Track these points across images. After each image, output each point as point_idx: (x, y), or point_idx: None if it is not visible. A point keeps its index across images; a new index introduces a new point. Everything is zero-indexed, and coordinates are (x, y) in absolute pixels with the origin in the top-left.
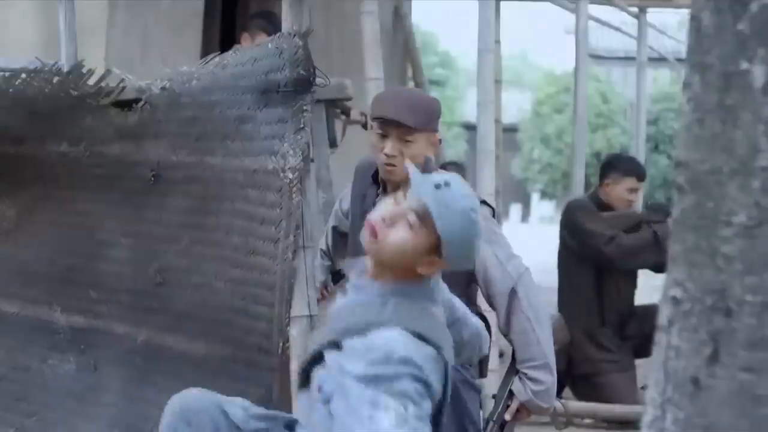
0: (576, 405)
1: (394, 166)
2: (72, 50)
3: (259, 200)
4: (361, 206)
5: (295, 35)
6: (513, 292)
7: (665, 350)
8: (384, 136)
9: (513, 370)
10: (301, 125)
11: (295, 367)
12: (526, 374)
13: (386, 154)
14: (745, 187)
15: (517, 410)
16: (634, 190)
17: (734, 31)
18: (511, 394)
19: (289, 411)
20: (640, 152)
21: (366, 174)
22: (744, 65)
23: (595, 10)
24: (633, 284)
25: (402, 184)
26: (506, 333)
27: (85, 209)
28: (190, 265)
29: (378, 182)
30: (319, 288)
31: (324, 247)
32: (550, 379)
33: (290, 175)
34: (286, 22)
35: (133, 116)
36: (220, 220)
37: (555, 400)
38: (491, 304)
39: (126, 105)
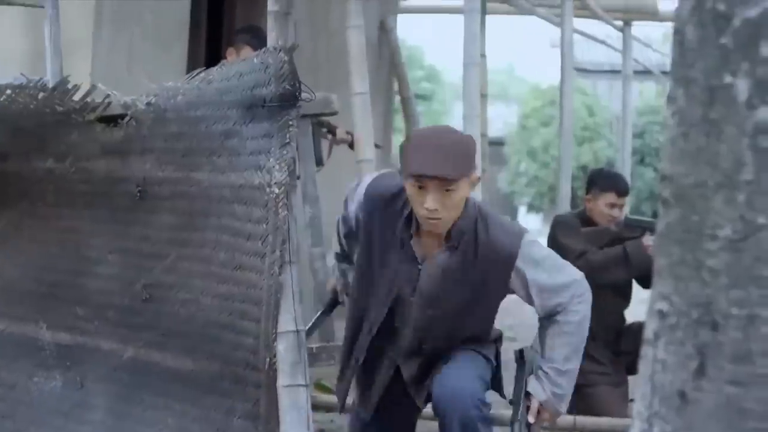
0: (561, 419)
1: (438, 219)
2: (57, 65)
3: (245, 215)
4: (385, 239)
5: (280, 50)
6: (571, 296)
7: (652, 364)
8: (422, 188)
9: (524, 372)
10: (287, 140)
11: (282, 382)
12: (547, 373)
13: (428, 209)
14: (730, 200)
15: (538, 411)
16: (614, 206)
17: (717, 45)
18: (527, 395)
19: (277, 427)
20: (626, 165)
21: (394, 206)
22: (728, 79)
23: (580, 23)
24: (623, 299)
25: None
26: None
27: (71, 225)
28: (176, 281)
29: (409, 221)
30: (342, 290)
31: (339, 251)
32: (568, 387)
33: (276, 190)
34: (272, 37)
35: (118, 132)
36: (206, 235)
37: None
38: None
39: (112, 120)
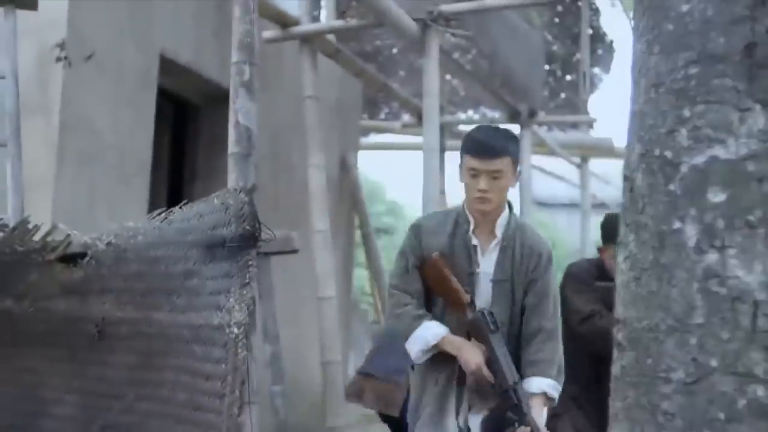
0: None
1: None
2: (18, 204)
3: (204, 356)
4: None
5: (240, 191)
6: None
7: None
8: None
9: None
10: (247, 280)
11: None
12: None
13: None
14: (682, 344)
15: None
16: None
17: (666, 192)
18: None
19: None
20: None
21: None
22: (677, 225)
23: (539, 159)
24: None
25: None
26: None
27: (29, 366)
28: (134, 421)
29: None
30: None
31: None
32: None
33: (236, 330)
34: (232, 178)
35: (78, 272)
36: (165, 376)
37: None
38: None
39: (72, 260)
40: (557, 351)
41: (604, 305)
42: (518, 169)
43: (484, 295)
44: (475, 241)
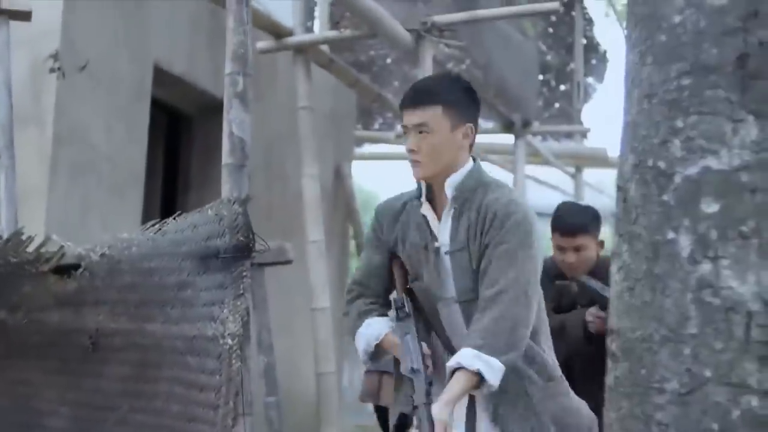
0: None
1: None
2: (12, 215)
3: (198, 367)
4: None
5: (234, 202)
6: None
7: None
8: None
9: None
10: (241, 291)
11: None
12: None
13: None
14: (676, 354)
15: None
16: (562, 248)
17: (659, 202)
18: None
19: None
20: None
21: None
22: (670, 235)
23: (533, 169)
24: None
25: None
26: None
27: (23, 378)
28: None
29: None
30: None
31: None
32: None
33: (230, 342)
34: (226, 189)
35: (72, 283)
36: (159, 387)
37: None
38: None
39: (65, 271)
40: (496, 318)
41: (559, 304)
42: (469, 124)
43: (448, 272)
44: (424, 210)
